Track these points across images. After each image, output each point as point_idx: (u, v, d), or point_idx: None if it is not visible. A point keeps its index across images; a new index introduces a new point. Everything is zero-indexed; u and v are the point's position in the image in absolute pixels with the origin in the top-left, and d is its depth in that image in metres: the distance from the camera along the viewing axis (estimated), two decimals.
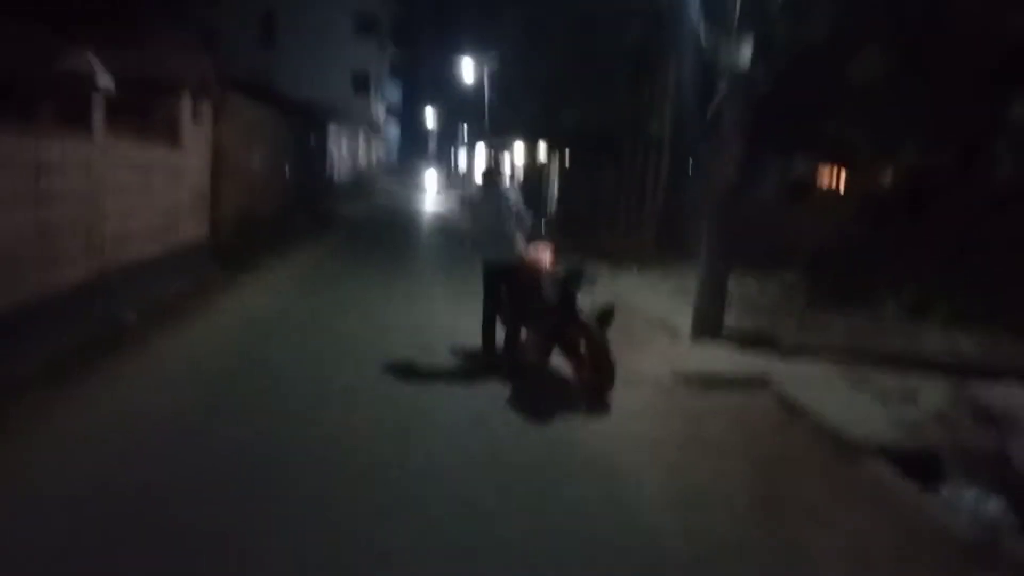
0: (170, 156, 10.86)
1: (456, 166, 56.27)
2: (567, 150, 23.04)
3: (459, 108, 48.88)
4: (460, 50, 37.56)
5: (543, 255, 7.97)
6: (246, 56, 42.50)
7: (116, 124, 9.56)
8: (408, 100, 60.22)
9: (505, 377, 7.53)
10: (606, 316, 7.17)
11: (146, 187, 9.97)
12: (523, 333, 8.09)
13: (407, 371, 7.70)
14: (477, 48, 34.45)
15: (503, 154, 33.37)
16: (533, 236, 8.34)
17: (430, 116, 60.17)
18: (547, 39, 19.55)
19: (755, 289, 12.48)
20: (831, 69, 12.34)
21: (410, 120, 62.20)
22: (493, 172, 8.35)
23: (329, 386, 7.11)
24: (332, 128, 34.64)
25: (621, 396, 7.02)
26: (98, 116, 8.43)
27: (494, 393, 7.11)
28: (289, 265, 14.18)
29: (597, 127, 17.08)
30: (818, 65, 12.19)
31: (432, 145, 64.45)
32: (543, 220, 9.39)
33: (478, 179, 8.62)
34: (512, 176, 30.70)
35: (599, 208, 18.60)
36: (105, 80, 8.46)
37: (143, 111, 11.07)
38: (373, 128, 49.41)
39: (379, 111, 52.25)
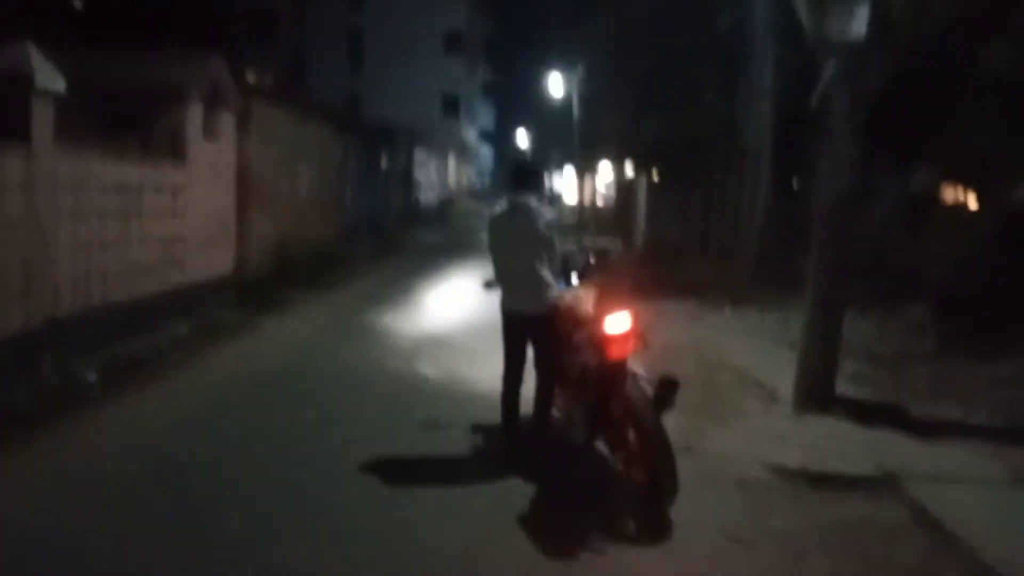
0: (169, 175, 9.24)
1: (547, 189, 54.56)
2: (655, 169, 20.83)
3: (550, 130, 47.31)
4: (550, 66, 35.86)
5: (584, 300, 5.90)
6: (335, 81, 42.13)
7: (106, 140, 8.08)
8: (501, 123, 58.81)
9: (529, 468, 5.50)
10: (665, 393, 4.99)
11: (131, 213, 8.35)
12: (558, 403, 6.06)
13: (406, 459, 5.76)
14: (565, 62, 32.63)
15: (591, 176, 31.37)
16: (582, 273, 6.27)
17: (522, 138, 58.59)
18: (632, 42, 17.49)
19: (872, 332, 10.05)
20: (962, 58, 9.97)
21: (503, 143, 60.71)
22: (522, 179, 5.88)
23: (292, 479, 5.20)
24: (418, 151, 33.43)
25: (689, 506, 4.87)
26: (42, 124, 6.81)
27: (508, 497, 5.07)
28: (323, 303, 12.41)
29: (685, 137, 14.88)
30: (946, 52, 9.84)
31: None
32: (602, 253, 6.75)
33: (500, 200, 6.31)
34: (551, 193, 28.59)
35: (689, 234, 16.33)
36: (51, 82, 6.84)
37: (144, 125, 9.56)
38: (463, 151, 48.18)
39: (470, 134, 51.05)
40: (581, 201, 29.18)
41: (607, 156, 28.42)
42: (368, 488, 5.15)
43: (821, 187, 7.28)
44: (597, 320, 5.20)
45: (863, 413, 6.93)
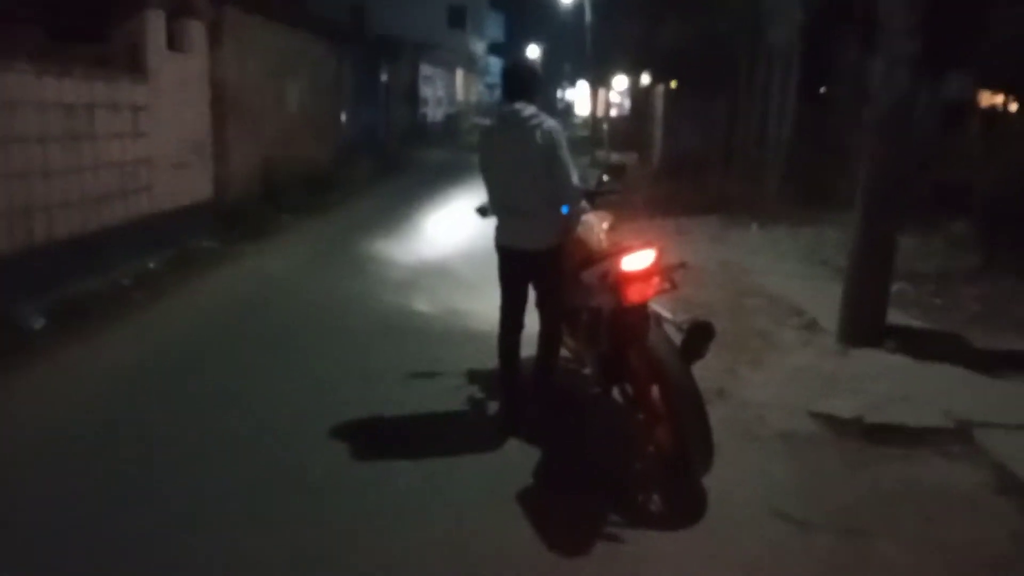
0: (127, 92, 8.21)
1: (560, 103, 52.94)
2: (674, 78, 19.48)
3: (562, 42, 45.51)
4: None
5: (596, 228, 4.91)
6: None
7: (52, 55, 7.07)
8: (511, 34, 56.63)
9: (532, 427, 4.61)
10: (696, 341, 4.02)
11: (81, 135, 7.35)
12: (567, 344, 5.15)
13: (386, 419, 4.85)
14: None
15: (605, 89, 29.91)
16: (593, 194, 5.25)
17: (533, 54, 56.52)
18: None
19: (913, 248, 9.01)
20: None
21: (513, 56, 58.61)
22: (518, 83, 4.63)
23: (251, 449, 4.32)
24: (424, 65, 32.00)
25: (725, 471, 3.98)
26: None
27: (506, 467, 4.19)
28: (312, 229, 11.43)
29: (706, 41, 13.61)
30: None
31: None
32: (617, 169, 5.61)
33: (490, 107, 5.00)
34: (562, 104, 27.15)
35: (711, 146, 15.16)
36: None
37: (102, 38, 8.50)
38: (471, 64, 46.44)
39: (478, 46, 49.16)
40: (594, 114, 27.79)
41: (622, 67, 26.98)
42: (337, 460, 4.24)
43: (873, 89, 6.19)
44: (612, 255, 4.21)
45: (917, 345, 6.01)
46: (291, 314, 7.05)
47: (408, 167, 20.57)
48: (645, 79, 23.75)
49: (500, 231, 4.74)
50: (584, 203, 5.03)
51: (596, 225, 4.90)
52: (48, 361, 5.67)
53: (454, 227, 11.30)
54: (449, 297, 7.55)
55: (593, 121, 26.94)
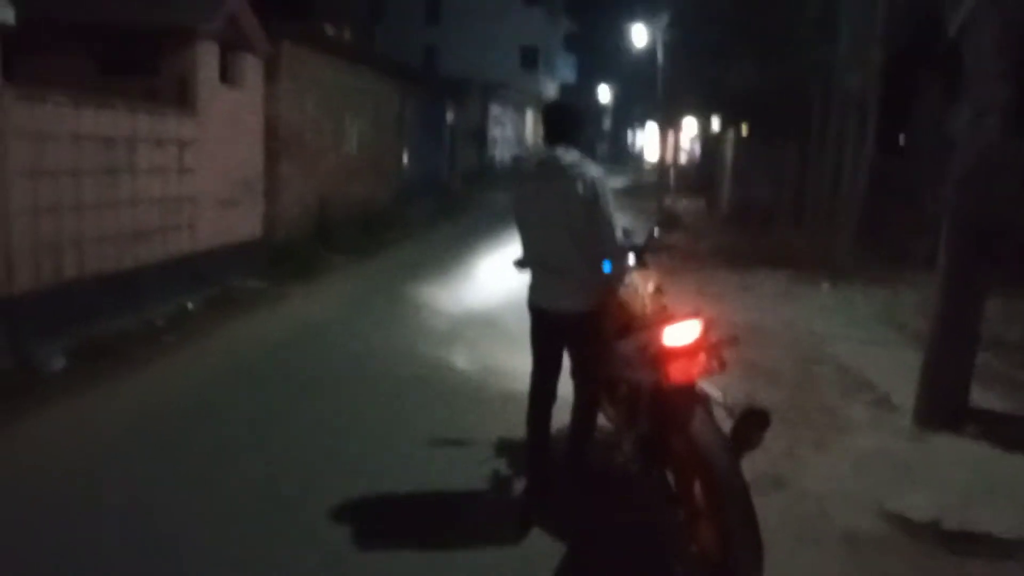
0: (173, 126, 8.04)
1: (631, 147, 52.58)
2: (744, 122, 18.92)
3: (633, 83, 45.18)
4: (634, 16, 33.75)
5: (639, 290, 4.41)
6: (410, 34, 40.79)
7: (96, 88, 6.95)
8: (582, 76, 56.50)
9: (561, 512, 4.11)
10: (749, 429, 3.49)
11: (120, 169, 7.17)
12: (606, 412, 4.66)
13: (399, 495, 4.40)
14: (650, 11, 30.51)
15: (675, 132, 29.38)
16: (640, 250, 4.78)
17: (605, 96, 56.31)
18: None
19: (1001, 312, 8.26)
20: None
21: (584, 97, 58.43)
22: (560, 125, 4.18)
23: (241, 529, 3.91)
24: (493, 106, 31.96)
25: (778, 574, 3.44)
26: None
27: (523, 562, 3.69)
28: (362, 271, 11.11)
29: (778, 86, 13.05)
30: None
31: (607, 124, 60.39)
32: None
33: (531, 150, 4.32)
34: (631, 150, 26.53)
35: (780, 195, 14.52)
36: None
37: (153, 71, 8.39)
38: (542, 106, 46.46)
39: (550, 87, 49.14)
40: (663, 159, 27.25)
41: (692, 110, 26.48)
42: (340, 539, 3.82)
43: (959, 140, 5.61)
44: (653, 324, 3.72)
45: (1002, 430, 5.34)
46: (323, 363, 6.68)
47: (470, 208, 20.28)
48: (715, 124, 23.19)
49: (534, 289, 4.26)
50: (630, 259, 4.57)
51: (641, 286, 4.40)
52: (59, 406, 5.39)
53: (506, 275, 10.86)
54: (490, 353, 7.09)
55: (661, 165, 26.39)
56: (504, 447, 4.95)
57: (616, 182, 33.23)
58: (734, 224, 15.45)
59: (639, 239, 4.80)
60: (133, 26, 7.87)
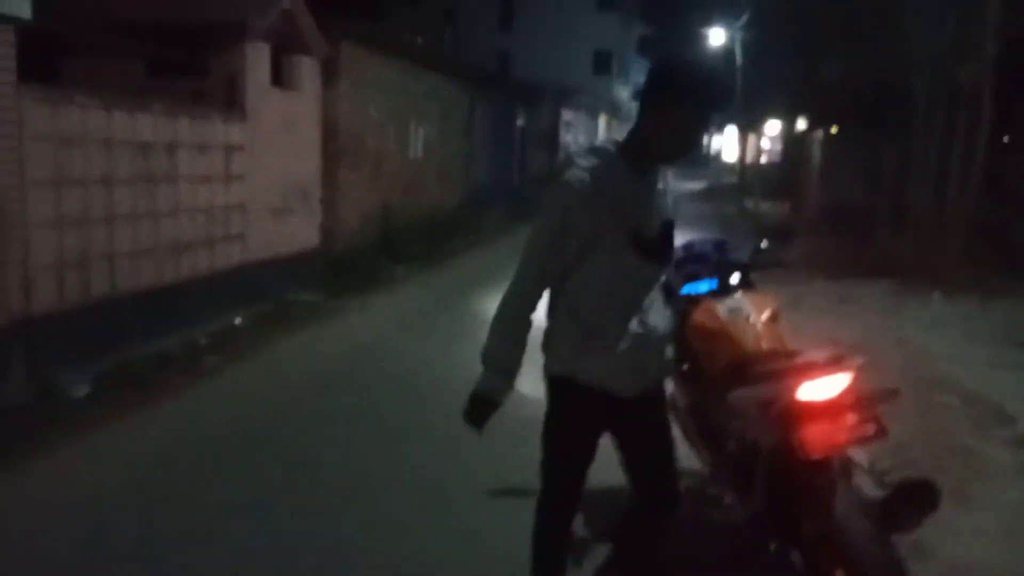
0: (220, 131, 7.49)
1: (708, 148, 51.32)
2: (835, 123, 17.75)
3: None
4: (710, 19, 32.66)
5: (752, 320, 3.49)
6: (484, 39, 40.41)
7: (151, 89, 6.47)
8: None
9: None
10: (907, 506, 2.64)
11: (158, 178, 6.62)
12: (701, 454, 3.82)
13: (435, 557, 3.67)
14: (727, 15, 29.39)
15: (755, 134, 28.23)
16: (746, 267, 3.89)
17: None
18: None
19: None
20: None
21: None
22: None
23: None
24: (565, 111, 31.22)
25: None
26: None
27: None
28: (426, 282, 10.44)
29: (875, 80, 11.99)
30: None
31: None
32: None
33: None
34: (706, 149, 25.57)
35: (877, 198, 13.40)
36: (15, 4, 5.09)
37: (202, 72, 7.87)
38: (615, 111, 45.46)
39: (623, 93, 48.18)
40: (743, 159, 26.15)
41: (776, 111, 25.35)
42: None
43: None
44: (783, 374, 2.84)
45: None
46: (374, 391, 5.98)
47: None
48: (801, 124, 22.02)
49: (583, 361, 2.62)
50: (735, 279, 3.75)
51: (753, 313, 3.47)
52: (78, 438, 4.81)
53: None
54: None
55: (742, 167, 25.28)
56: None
57: (695, 185, 32.11)
58: (825, 229, 14.35)
59: (742, 254, 3.97)
60: (179, 24, 7.33)
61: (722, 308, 3.51)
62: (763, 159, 30.23)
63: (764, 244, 4.16)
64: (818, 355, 2.85)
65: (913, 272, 10.02)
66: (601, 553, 3.58)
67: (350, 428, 5.19)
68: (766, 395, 2.84)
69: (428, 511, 4.07)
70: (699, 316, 3.57)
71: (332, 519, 3.92)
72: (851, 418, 2.67)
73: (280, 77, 8.67)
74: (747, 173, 25.08)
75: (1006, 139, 13.78)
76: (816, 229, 15.19)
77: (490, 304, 9.11)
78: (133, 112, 6.23)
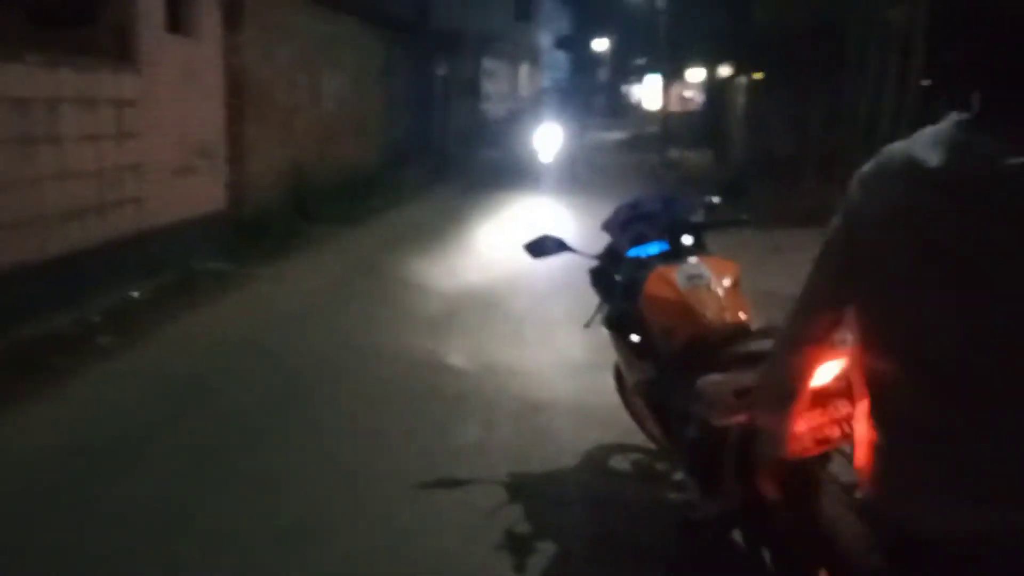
0: (109, 84, 6.76)
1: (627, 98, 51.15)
2: (762, 69, 17.51)
3: (632, 37, 43.63)
4: None
5: (714, 289, 3.13)
6: None
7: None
8: (579, 29, 54.67)
9: None
10: None
11: (39, 138, 5.90)
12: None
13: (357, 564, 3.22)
14: None
15: (678, 82, 27.98)
16: (698, 229, 3.51)
17: (601, 47, 54.51)
18: None
19: None
20: None
21: (581, 50, 56.55)
22: None
23: None
24: (487, 59, 30.52)
25: None
26: None
27: None
28: (345, 244, 9.86)
29: (803, 23, 11.72)
30: None
31: (604, 77, 58.52)
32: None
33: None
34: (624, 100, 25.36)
35: (805, 146, 13.22)
36: None
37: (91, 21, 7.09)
38: (536, 60, 44.79)
39: (544, 40, 47.46)
40: (665, 109, 25.91)
41: (700, 59, 25.11)
42: None
43: None
44: (758, 356, 2.45)
45: None
46: (285, 371, 5.42)
47: (465, 169, 18.94)
48: (724, 71, 21.82)
49: (925, 496, 1.35)
50: (687, 240, 3.36)
51: (713, 281, 3.09)
52: None
53: (505, 243, 9.63)
54: (492, 344, 5.90)
55: (664, 117, 25.03)
56: (516, 493, 3.73)
57: (616, 135, 31.79)
58: (751, 178, 14.16)
59: (693, 213, 3.57)
60: None
61: (680, 276, 3.10)
62: (686, 108, 30.05)
63: (716, 200, 3.79)
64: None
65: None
66: (548, 551, 3.22)
67: (263, 417, 4.66)
68: (742, 382, 2.44)
69: (354, 507, 3.61)
70: (653, 285, 3.16)
71: (243, 523, 3.44)
72: (844, 408, 2.30)
73: (178, 23, 7.91)
74: (669, 123, 24.81)
75: (925, 83, 13.72)
76: (741, 178, 15.00)
77: (416, 266, 8.63)
78: (3, 63, 5.49)
